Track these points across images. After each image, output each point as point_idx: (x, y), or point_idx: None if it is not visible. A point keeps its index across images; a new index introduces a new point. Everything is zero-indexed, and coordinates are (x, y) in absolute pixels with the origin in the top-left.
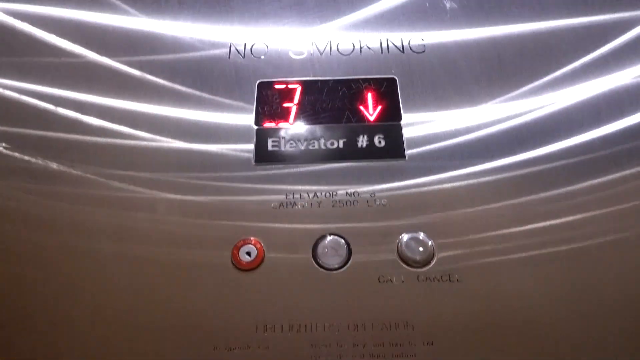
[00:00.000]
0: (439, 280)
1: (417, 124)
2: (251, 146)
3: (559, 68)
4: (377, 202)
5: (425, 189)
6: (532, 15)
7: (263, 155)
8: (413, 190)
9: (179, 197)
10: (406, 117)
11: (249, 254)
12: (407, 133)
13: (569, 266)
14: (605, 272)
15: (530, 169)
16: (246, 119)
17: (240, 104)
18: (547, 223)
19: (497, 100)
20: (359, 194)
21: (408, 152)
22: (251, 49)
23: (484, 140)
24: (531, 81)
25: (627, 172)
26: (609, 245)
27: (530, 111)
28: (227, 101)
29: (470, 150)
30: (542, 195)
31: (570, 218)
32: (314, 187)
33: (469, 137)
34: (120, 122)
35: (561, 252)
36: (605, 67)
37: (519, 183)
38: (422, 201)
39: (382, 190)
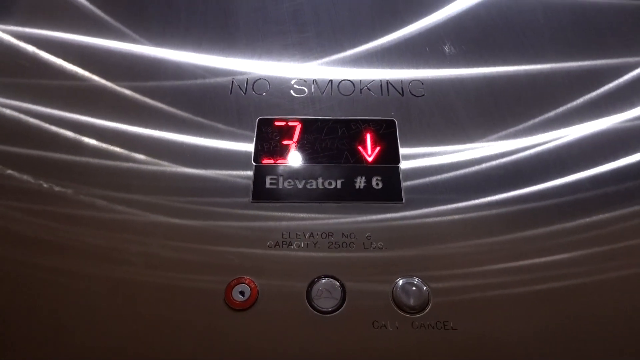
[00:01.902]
0: (433, 328)
1: (414, 165)
2: (250, 173)
3: (551, 109)
4: (374, 245)
5: (422, 233)
6: (527, 59)
7: (260, 193)
8: (409, 233)
9: (175, 222)
10: (404, 159)
11: (242, 293)
12: (405, 175)
13: (563, 306)
14: (598, 310)
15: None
16: (245, 147)
17: (239, 130)
18: (539, 260)
19: (492, 138)
20: (355, 236)
21: (405, 194)
22: (253, 85)
23: (481, 181)
24: (524, 121)
25: (616, 213)
26: (598, 285)
27: (523, 150)
28: (227, 128)
29: (468, 189)
30: (533, 232)
31: (563, 256)
32: (311, 228)
33: (466, 177)
34: (118, 145)
35: (557, 291)
36: (596, 111)
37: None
38: (418, 245)
39: (378, 233)
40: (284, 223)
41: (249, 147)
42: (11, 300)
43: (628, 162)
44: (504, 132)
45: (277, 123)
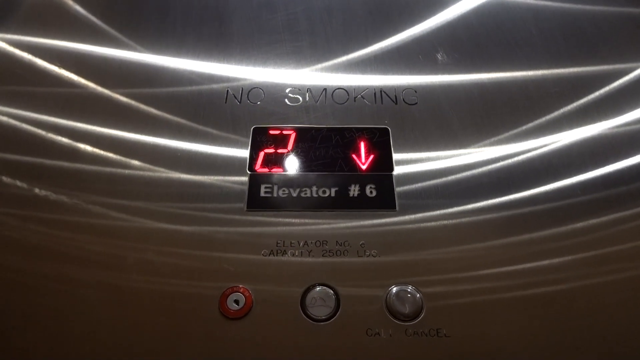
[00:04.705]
0: (426, 335)
1: (407, 171)
2: (245, 179)
3: (542, 116)
4: (367, 253)
5: (415, 239)
6: (518, 67)
7: (255, 202)
8: (403, 240)
9: (171, 228)
10: (397, 164)
11: (237, 302)
12: (398, 181)
13: (557, 310)
14: (593, 314)
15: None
16: (241, 153)
17: (234, 137)
18: (532, 265)
19: (484, 144)
20: (349, 244)
21: (399, 200)
22: (248, 94)
23: (473, 187)
24: (516, 127)
25: (606, 218)
26: (592, 289)
27: (514, 155)
28: (222, 135)
29: (459, 195)
30: (526, 237)
31: (556, 260)
32: (305, 235)
33: (459, 183)
34: (114, 151)
35: (550, 295)
36: (586, 117)
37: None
38: (411, 251)
39: (372, 241)
40: (279, 231)
41: (244, 153)
42: (7, 306)
43: (617, 168)
44: (495, 138)
45: (271, 132)
